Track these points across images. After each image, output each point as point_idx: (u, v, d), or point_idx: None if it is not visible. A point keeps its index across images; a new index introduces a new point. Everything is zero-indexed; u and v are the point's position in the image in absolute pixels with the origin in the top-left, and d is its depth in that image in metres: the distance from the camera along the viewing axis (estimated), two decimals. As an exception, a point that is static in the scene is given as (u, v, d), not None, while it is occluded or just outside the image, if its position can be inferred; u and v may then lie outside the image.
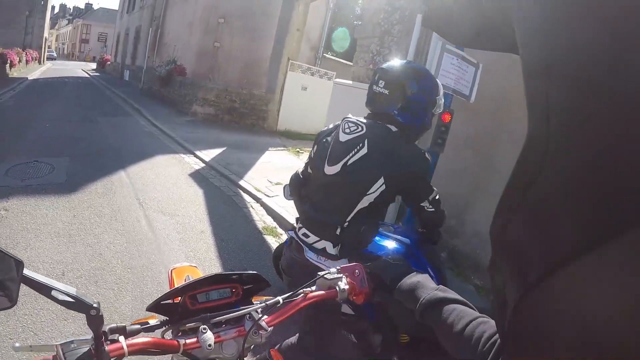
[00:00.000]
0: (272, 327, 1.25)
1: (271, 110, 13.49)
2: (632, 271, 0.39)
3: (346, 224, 2.25)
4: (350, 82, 6.89)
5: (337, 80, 7.63)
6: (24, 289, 0.99)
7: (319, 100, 11.17)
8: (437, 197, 2.32)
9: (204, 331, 1.16)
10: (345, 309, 2.92)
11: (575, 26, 0.44)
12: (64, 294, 0.99)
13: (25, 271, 0.96)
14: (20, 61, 26.64)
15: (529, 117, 0.53)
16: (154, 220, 5.52)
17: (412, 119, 2.25)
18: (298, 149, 10.75)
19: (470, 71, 4.45)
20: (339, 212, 2.26)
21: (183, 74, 17.70)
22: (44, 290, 0.98)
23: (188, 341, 1.15)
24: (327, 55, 21.07)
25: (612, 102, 0.40)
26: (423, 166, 2.22)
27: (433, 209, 2.33)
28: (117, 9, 44.44)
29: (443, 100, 2.41)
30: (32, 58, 32.10)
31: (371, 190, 2.18)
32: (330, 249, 2.29)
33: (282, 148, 10.92)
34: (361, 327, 2.93)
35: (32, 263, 4.17)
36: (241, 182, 7.61)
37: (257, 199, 6.84)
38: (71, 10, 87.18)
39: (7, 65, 22.89)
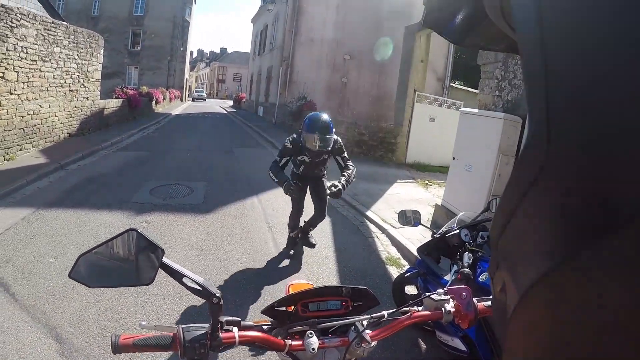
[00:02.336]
0: (375, 342, 1.33)
1: (400, 142, 13.49)
2: (631, 269, 0.39)
3: None
4: (477, 110, 6.72)
5: (463, 109, 7.40)
6: (155, 286, 1.17)
7: (447, 131, 10.91)
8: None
9: (310, 336, 1.29)
10: (459, 344, 2.87)
11: (574, 26, 0.45)
12: (193, 281, 1.20)
13: (164, 259, 1.19)
14: (164, 99, 30.48)
15: (528, 117, 0.53)
16: (281, 244, 5.85)
17: None
18: (427, 181, 10.57)
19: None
20: None
21: (313, 109, 18.46)
22: (177, 276, 1.21)
23: (294, 343, 1.29)
24: (454, 85, 20.66)
25: (612, 102, 0.40)
26: None
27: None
28: (249, 51, 47.81)
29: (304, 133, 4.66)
30: (174, 96, 36.51)
31: None
32: None
33: (410, 180, 10.84)
34: None
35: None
36: (368, 213, 7.72)
37: (383, 230, 6.89)
38: (208, 55, 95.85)
39: (153, 102, 26.30)
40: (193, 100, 55.23)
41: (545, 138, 0.48)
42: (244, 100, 42.52)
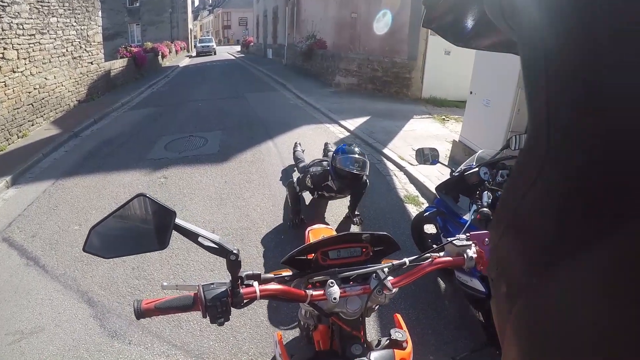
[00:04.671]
0: (396, 289, 1.35)
1: (414, 77, 13.18)
2: (627, 267, 0.39)
3: None
4: None
5: None
6: (178, 240, 1.20)
7: (464, 64, 10.53)
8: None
9: (331, 285, 1.31)
10: (477, 285, 2.89)
11: (575, 26, 0.44)
12: (209, 240, 1.21)
13: (177, 220, 1.19)
14: (170, 52, 30.19)
15: (529, 117, 0.53)
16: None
17: None
18: (444, 117, 10.38)
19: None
20: None
21: (323, 47, 18.18)
22: (192, 236, 1.21)
23: (315, 293, 1.31)
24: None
25: (613, 101, 0.41)
26: None
27: None
28: (252, -7, 46.24)
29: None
30: (180, 48, 36.08)
31: None
32: None
33: (427, 116, 10.66)
34: (491, 307, 2.87)
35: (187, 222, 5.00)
36: (385, 150, 7.72)
37: (401, 167, 6.90)
38: (210, 1, 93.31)
39: (160, 57, 26.04)
40: (197, 54, 41.15)
41: (545, 140, 0.49)
42: (252, 44, 41.61)
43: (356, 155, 4.22)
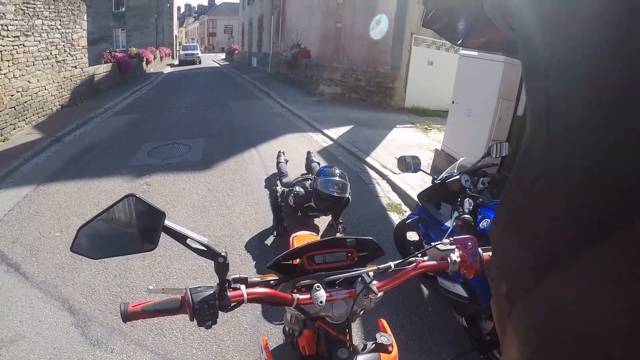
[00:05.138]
0: (381, 293, 1.36)
1: (398, 87, 13.34)
2: (629, 267, 0.39)
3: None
4: (476, 52, 6.50)
5: (463, 52, 7.07)
6: (161, 247, 1.18)
7: (446, 74, 10.62)
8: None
9: (317, 289, 1.31)
10: (460, 290, 2.91)
11: (574, 26, 0.44)
12: (197, 242, 1.19)
13: (166, 222, 1.17)
14: (155, 58, 29.93)
15: (528, 116, 0.53)
16: (282, 194, 5.87)
17: None
18: (426, 126, 10.53)
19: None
20: None
21: (308, 56, 18.23)
22: (181, 238, 1.19)
23: (301, 297, 1.31)
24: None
25: (612, 100, 0.41)
26: None
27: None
28: (238, 1, 46.23)
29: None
30: (165, 54, 35.66)
31: None
32: None
33: (409, 125, 10.80)
34: (474, 312, 2.91)
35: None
36: (368, 159, 7.76)
37: (383, 176, 6.95)
38: (196, 8, 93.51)
39: (144, 63, 25.83)
40: (180, 63, 36.70)
41: (545, 139, 0.49)
42: (237, 52, 41.53)
43: (336, 178, 4.31)
